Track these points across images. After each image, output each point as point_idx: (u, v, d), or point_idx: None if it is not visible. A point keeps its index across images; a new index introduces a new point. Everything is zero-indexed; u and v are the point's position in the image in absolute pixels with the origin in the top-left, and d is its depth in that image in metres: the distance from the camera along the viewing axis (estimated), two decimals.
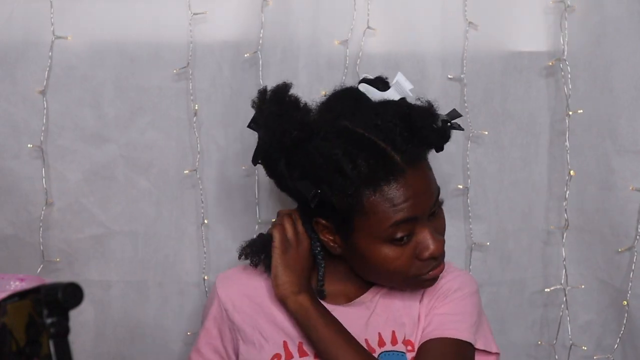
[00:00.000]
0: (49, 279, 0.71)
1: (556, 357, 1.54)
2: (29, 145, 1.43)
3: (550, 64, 1.49)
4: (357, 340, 1.11)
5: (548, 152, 1.53)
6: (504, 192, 1.53)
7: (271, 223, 1.21)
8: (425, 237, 1.08)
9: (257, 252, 1.16)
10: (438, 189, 1.13)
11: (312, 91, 1.43)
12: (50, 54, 1.42)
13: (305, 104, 1.13)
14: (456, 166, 1.51)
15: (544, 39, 1.50)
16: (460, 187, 1.51)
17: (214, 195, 1.49)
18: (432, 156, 1.51)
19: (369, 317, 1.17)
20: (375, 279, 1.17)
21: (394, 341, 1.15)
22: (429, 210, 1.09)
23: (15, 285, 0.75)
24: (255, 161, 1.13)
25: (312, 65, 1.47)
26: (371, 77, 1.17)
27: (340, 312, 1.15)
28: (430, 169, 1.13)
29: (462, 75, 1.48)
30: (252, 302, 1.19)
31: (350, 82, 1.47)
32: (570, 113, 1.47)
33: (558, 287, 1.52)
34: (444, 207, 1.52)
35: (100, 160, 1.47)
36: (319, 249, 1.17)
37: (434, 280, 1.13)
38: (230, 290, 1.21)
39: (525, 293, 1.56)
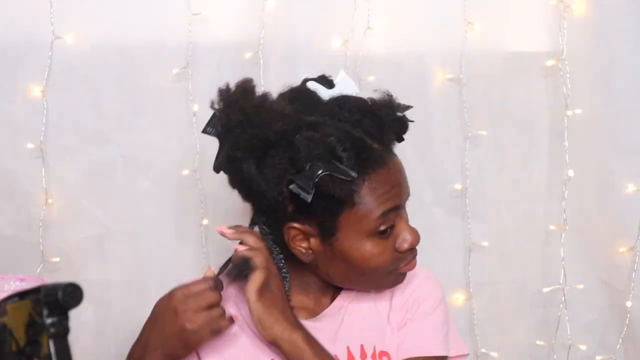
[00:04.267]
0: (49, 279, 0.71)
1: (555, 357, 1.54)
2: (29, 145, 1.44)
3: (550, 64, 1.49)
4: None
5: (547, 152, 1.53)
6: (504, 192, 1.53)
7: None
8: (404, 228, 1.05)
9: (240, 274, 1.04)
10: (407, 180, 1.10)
11: None
12: (50, 54, 1.42)
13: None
14: (455, 166, 1.51)
15: (544, 39, 1.50)
16: (459, 187, 1.52)
17: (214, 195, 1.49)
18: (432, 156, 1.52)
19: (337, 331, 1.10)
20: (351, 283, 1.10)
21: (362, 355, 1.10)
22: (406, 199, 1.07)
23: (15, 285, 0.75)
24: (218, 169, 1.05)
25: (313, 65, 1.47)
26: (313, 77, 1.11)
27: (308, 327, 1.06)
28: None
29: (460, 76, 1.48)
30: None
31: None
32: (569, 113, 1.47)
33: (557, 286, 1.52)
34: (444, 207, 1.53)
35: (100, 160, 1.47)
36: (282, 262, 1.07)
37: (404, 275, 1.10)
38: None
39: (525, 293, 1.56)
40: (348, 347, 1.11)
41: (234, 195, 1.49)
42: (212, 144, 1.47)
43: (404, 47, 1.48)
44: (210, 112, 1.45)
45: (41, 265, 1.45)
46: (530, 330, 1.57)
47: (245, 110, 1.00)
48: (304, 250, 1.05)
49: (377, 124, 1.04)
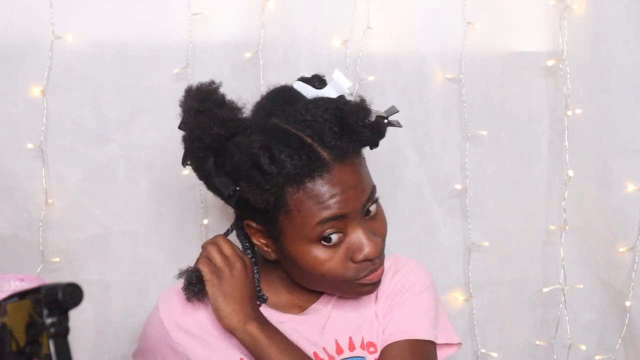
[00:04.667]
0: (49, 279, 0.71)
1: (555, 357, 1.54)
2: (29, 145, 1.43)
3: (550, 64, 1.49)
4: (312, 356, 1.08)
5: (547, 152, 1.53)
6: (504, 192, 1.53)
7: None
8: (359, 238, 1.03)
9: (192, 285, 1.10)
10: (373, 187, 1.06)
11: None
12: (50, 54, 1.42)
13: (234, 102, 1.07)
14: (455, 166, 1.51)
15: (544, 39, 1.50)
16: (459, 187, 1.52)
17: (214, 195, 1.48)
18: (432, 156, 1.53)
19: (325, 324, 1.13)
20: (314, 286, 1.11)
21: (351, 347, 1.12)
22: (360, 209, 1.03)
23: (15, 285, 0.75)
24: (184, 162, 1.09)
25: (313, 65, 1.47)
26: (308, 75, 1.13)
27: (295, 322, 1.12)
28: (362, 165, 1.06)
29: (460, 76, 1.48)
30: (199, 323, 1.12)
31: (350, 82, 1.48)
32: (569, 113, 1.47)
33: (557, 286, 1.52)
34: (444, 207, 1.53)
35: (100, 160, 1.47)
36: (251, 254, 1.13)
37: (374, 285, 1.08)
38: (175, 311, 1.13)
39: (525, 293, 1.56)
40: (336, 340, 1.12)
41: None
42: None
43: (404, 47, 1.48)
44: None
45: (41, 266, 1.44)
46: (530, 330, 1.57)
47: (186, 113, 1.05)
48: (264, 247, 1.09)
49: (340, 129, 1.02)
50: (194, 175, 1.46)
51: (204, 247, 1.14)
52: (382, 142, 1.51)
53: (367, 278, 1.06)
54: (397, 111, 1.09)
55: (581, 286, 1.52)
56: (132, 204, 1.48)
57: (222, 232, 1.48)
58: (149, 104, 1.46)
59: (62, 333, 0.66)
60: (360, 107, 1.04)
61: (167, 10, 1.44)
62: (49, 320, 0.65)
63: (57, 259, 1.46)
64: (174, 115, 1.46)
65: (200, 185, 1.45)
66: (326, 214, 1.00)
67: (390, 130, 1.51)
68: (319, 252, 1.03)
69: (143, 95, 1.46)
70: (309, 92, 1.09)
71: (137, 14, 1.44)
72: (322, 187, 1.00)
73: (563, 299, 1.52)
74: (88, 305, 1.47)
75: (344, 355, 1.11)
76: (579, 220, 1.51)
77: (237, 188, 1.01)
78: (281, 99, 1.08)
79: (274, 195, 1.00)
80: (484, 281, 1.53)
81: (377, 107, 1.50)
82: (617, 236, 1.48)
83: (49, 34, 1.41)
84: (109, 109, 1.46)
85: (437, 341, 1.13)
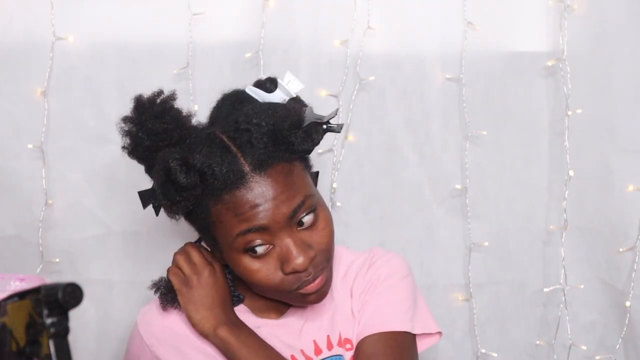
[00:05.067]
0: (50, 279, 0.71)
1: (555, 357, 1.54)
2: (29, 146, 1.44)
3: (550, 64, 1.49)
4: (288, 357, 1.09)
5: (548, 152, 1.53)
6: (504, 192, 1.53)
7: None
8: (288, 249, 1.00)
9: (165, 294, 1.12)
10: (304, 197, 1.01)
11: (312, 91, 1.43)
12: (51, 54, 1.42)
13: (178, 112, 1.04)
14: (455, 166, 1.51)
15: (544, 39, 1.50)
16: (459, 187, 1.52)
17: None
18: (432, 156, 1.52)
19: (302, 326, 1.12)
20: (262, 293, 1.09)
21: (329, 346, 1.12)
22: (283, 220, 0.99)
23: (15, 285, 0.75)
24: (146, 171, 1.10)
25: (313, 65, 1.47)
26: (263, 78, 1.11)
27: (272, 326, 1.12)
28: (291, 175, 1.01)
29: (460, 76, 1.48)
30: (178, 334, 1.12)
31: (350, 82, 1.48)
32: (570, 113, 1.47)
33: (557, 286, 1.52)
34: (444, 207, 1.53)
35: (101, 160, 1.47)
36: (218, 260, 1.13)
37: (317, 295, 1.05)
38: (153, 325, 1.13)
39: (525, 293, 1.56)
40: (314, 341, 1.12)
41: None
42: None
43: (404, 47, 1.48)
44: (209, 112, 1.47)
45: (40, 266, 1.45)
46: (530, 330, 1.57)
47: (125, 125, 1.05)
48: (214, 252, 1.10)
49: (268, 138, 0.99)
50: None
51: (174, 256, 1.15)
52: (382, 142, 1.52)
53: (304, 289, 1.03)
54: (335, 115, 1.05)
55: (581, 286, 1.52)
56: (133, 204, 1.48)
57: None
58: None
59: (62, 333, 0.66)
60: (289, 115, 1.01)
61: (167, 10, 1.44)
62: (49, 320, 0.65)
63: (58, 259, 1.46)
64: None
65: None
66: (244, 226, 0.99)
67: (390, 129, 1.52)
68: (248, 262, 1.02)
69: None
70: (260, 96, 1.07)
71: (138, 14, 1.44)
72: (239, 199, 0.98)
73: (563, 299, 1.52)
74: (90, 305, 1.47)
75: (322, 355, 1.11)
76: (580, 220, 1.51)
77: (153, 201, 1.04)
78: (227, 105, 1.08)
79: (186, 209, 1.01)
80: (484, 281, 1.53)
81: (374, 107, 1.51)
82: (618, 236, 1.48)
83: (50, 34, 1.41)
84: (110, 109, 1.46)
85: (414, 331, 1.10)
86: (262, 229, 0.99)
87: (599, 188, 1.49)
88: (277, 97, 1.06)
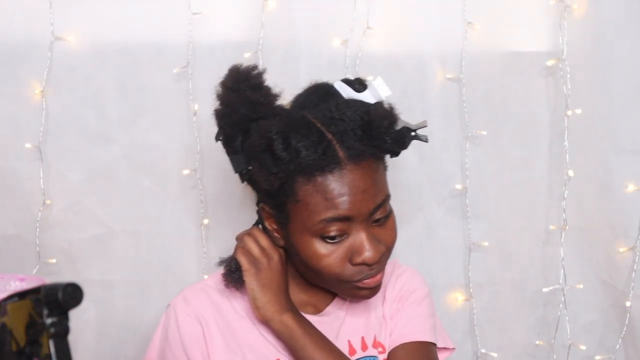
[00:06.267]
0: (48, 279, 0.71)
1: (555, 357, 1.54)
2: (27, 145, 1.44)
3: (550, 64, 1.49)
4: (345, 356, 1.09)
5: (548, 152, 1.53)
6: (504, 192, 1.53)
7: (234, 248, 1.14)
8: (361, 241, 1.03)
9: (231, 272, 1.10)
10: (385, 196, 1.05)
11: None
12: (49, 54, 1.42)
13: (270, 89, 1.07)
14: (455, 166, 1.51)
15: (544, 39, 1.50)
16: (459, 187, 1.52)
17: (214, 195, 1.49)
18: (432, 156, 1.52)
19: (340, 326, 1.14)
20: (314, 280, 1.11)
21: (364, 347, 1.14)
22: (367, 214, 1.02)
23: (15, 285, 0.75)
24: (217, 138, 1.10)
25: (313, 65, 1.47)
26: (352, 77, 1.14)
27: (312, 321, 1.11)
28: (379, 172, 1.05)
29: (460, 76, 1.48)
30: (223, 320, 1.12)
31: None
32: (570, 113, 1.47)
33: (557, 286, 1.52)
34: (444, 207, 1.53)
35: (102, 160, 1.47)
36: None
37: (371, 291, 1.08)
38: (200, 307, 1.11)
39: (525, 293, 1.56)
40: (349, 341, 1.14)
41: (234, 195, 1.50)
42: (212, 144, 1.48)
43: (404, 47, 1.48)
44: (211, 111, 1.47)
45: (37, 266, 1.45)
46: (530, 330, 1.57)
47: (222, 90, 1.06)
48: (274, 233, 1.10)
49: (362, 132, 1.02)
50: (194, 176, 1.47)
51: (239, 238, 1.13)
52: None
53: (363, 282, 1.06)
54: (426, 126, 1.09)
55: (581, 286, 1.52)
56: (133, 204, 1.49)
57: (222, 232, 1.49)
58: (149, 103, 1.46)
59: (62, 333, 0.66)
60: (387, 115, 1.04)
61: (167, 10, 1.44)
62: (49, 320, 0.65)
63: (54, 260, 1.46)
64: (175, 115, 1.48)
65: (200, 185, 1.47)
66: (331, 213, 1.01)
67: None
68: (320, 247, 1.03)
69: (144, 95, 1.46)
70: (347, 92, 1.10)
71: (138, 14, 1.44)
72: (331, 184, 1.00)
73: (563, 299, 1.52)
74: (90, 304, 1.47)
75: (356, 356, 1.13)
76: (579, 220, 1.51)
77: (250, 167, 1.03)
78: (317, 95, 1.10)
79: (280, 181, 1.01)
80: (484, 281, 1.53)
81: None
82: (617, 236, 1.48)
83: (49, 34, 1.41)
84: (110, 109, 1.46)
85: (438, 344, 1.17)
86: (344, 219, 1.01)
87: (599, 188, 1.49)
88: (365, 97, 1.09)
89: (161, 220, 1.50)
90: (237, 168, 1.05)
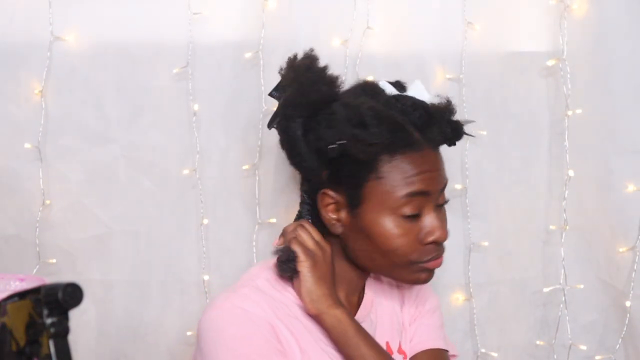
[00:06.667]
0: (48, 279, 0.71)
1: (555, 357, 1.54)
2: (26, 145, 1.44)
3: (550, 64, 1.49)
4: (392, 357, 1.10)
5: (548, 152, 1.53)
6: (504, 192, 1.53)
7: (280, 237, 1.12)
8: (433, 221, 1.06)
9: (285, 262, 1.08)
10: (446, 180, 1.10)
11: None
12: (48, 54, 1.42)
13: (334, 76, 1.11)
14: (455, 166, 1.51)
15: (544, 39, 1.50)
16: (459, 187, 1.52)
17: (214, 195, 1.49)
18: None
19: (374, 332, 1.14)
20: (374, 264, 1.09)
21: (389, 351, 1.15)
22: (439, 192, 1.07)
23: (16, 285, 0.75)
24: (271, 124, 1.09)
25: None
26: (391, 81, 1.15)
27: None
28: (441, 157, 1.11)
29: (460, 76, 1.48)
30: (282, 318, 1.07)
31: (350, 82, 1.47)
32: (570, 113, 1.47)
33: (557, 286, 1.52)
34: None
35: (102, 160, 1.47)
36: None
37: (430, 273, 1.09)
38: (263, 306, 1.06)
39: (525, 293, 1.56)
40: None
41: (234, 195, 1.50)
42: (212, 144, 1.48)
43: (404, 47, 1.48)
44: (211, 111, 1.48)
45: (37, 267, 1.45)
46: (530, 330, 1.57)
47: (296, 68, 1.08)
48: (333, 221, 1.09)
49: (426, 120, 1.06)
50: (194, 175, 1.47)
51: (290, 230, 1.11)
52: None
53: (429, 263, 1.08)
54: (474, 121, 1.15)
55: (581, 286, 1.52)
56: (133, 204, 1.49)
57: (222, 232, 1.49)
58: (149, 103, 1.46)
59: (62, 333, 0.66)
60: (448, 106, 1.09)
61: (167, 10, 1.44)
62: (49, 320, 0.65)
63: (54, 260, 1.46)
64: (175, 115, 1.48)
65: (200, 185, 1.47)
66: (413, 188, 1.04)
67: None
68: (395, 225, 1.05)
69: (144, 95, 1.46)
70: (392, 90, 1.12)
71: (137, 14, 1.44)
72: (412, 162, 1.04)
73: (563, 299, 1.52)
74: (90, 305, 1.47)
75: None
76: (579, 220, 1.51)
77: (342, 142, 1.02)
78: (366, 89, 1.12)
79: (377, 153, 1.03)
80: (484, 281, 1.53)
81: None
82: (618, 236, 1.48)
83: (48, 34, 1.41)
84: (109, 109, 1.46)
85: (449, 352, 1.22)
86: (424, 194, 1.05)
87: (599, 188, 1.49)
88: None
89: (161, 220, 1.49)
90: (333, 140, 1.02)
